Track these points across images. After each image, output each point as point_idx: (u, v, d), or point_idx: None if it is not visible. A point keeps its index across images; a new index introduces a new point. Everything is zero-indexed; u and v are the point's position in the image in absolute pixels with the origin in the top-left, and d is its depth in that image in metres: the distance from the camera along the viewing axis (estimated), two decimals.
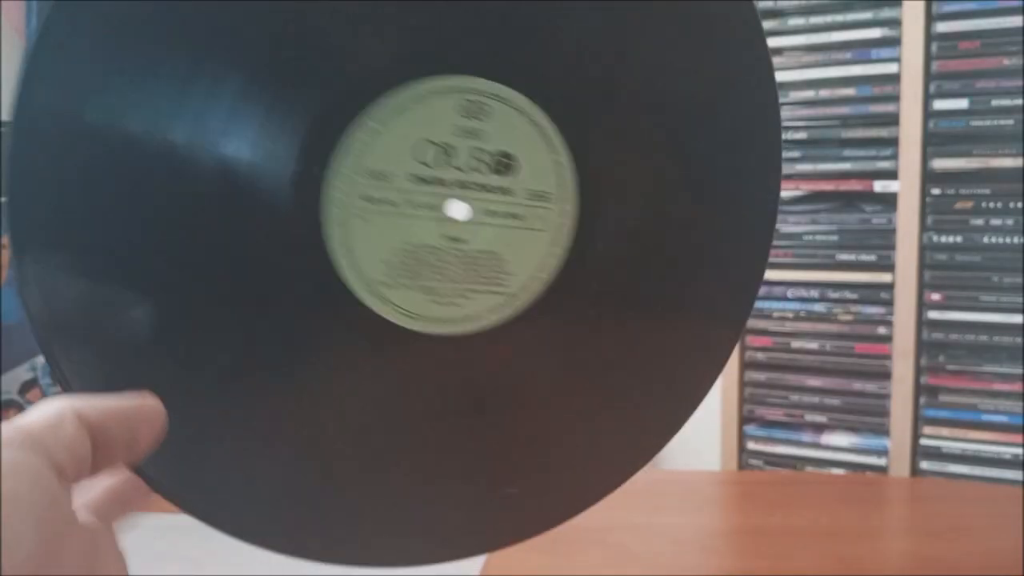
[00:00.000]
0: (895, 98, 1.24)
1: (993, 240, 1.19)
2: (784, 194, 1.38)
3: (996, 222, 1.19)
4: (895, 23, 1.23)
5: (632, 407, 0.35)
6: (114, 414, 0.24)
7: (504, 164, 0.31)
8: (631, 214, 0.33)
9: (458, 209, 0.31)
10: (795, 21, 1.30)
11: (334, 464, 0.32)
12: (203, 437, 0.30)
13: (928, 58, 1.21)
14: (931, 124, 1.22)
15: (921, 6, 1.20)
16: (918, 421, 1.25)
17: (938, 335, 1.23)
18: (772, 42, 1.32)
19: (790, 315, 1.33)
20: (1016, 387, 1.18)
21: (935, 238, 1.22)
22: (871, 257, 1.27)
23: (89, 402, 0.24)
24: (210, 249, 0.29)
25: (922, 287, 1.23)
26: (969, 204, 1.20)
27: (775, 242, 1.43)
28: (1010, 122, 1.17)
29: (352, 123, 0.29)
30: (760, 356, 1.36)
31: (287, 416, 0.31)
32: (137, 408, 0.25)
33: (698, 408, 0.36)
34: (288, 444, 0.31)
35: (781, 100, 1.32)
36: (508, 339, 0.32)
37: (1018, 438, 1.18)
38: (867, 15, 1.25)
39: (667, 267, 0.34)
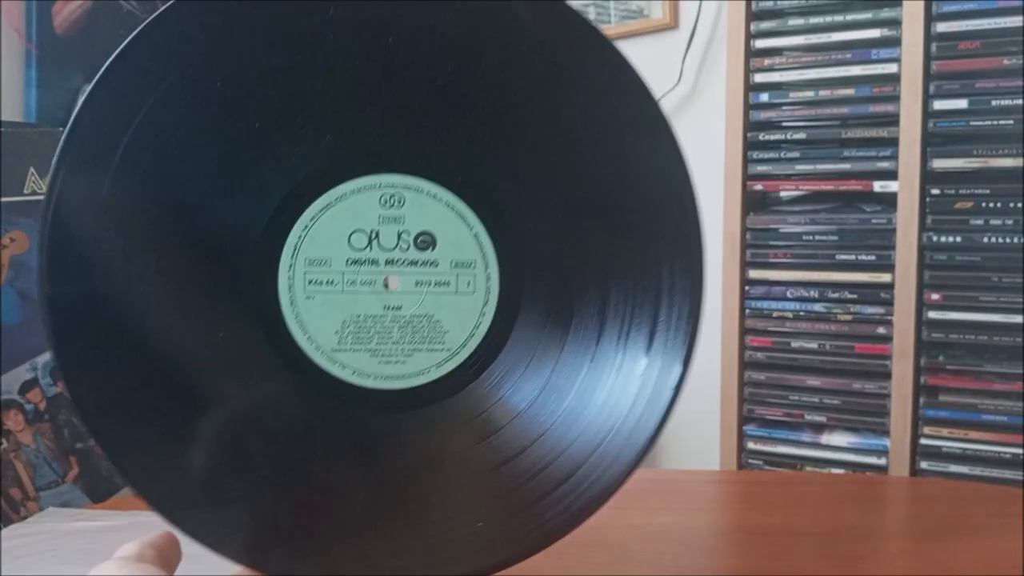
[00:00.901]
0: (895, 98, 1.23)
1: (993, 240, 1.19)
2: (784, 194, 1.38)
3: (996, 222, 1.18)
4: (895, 23, 1.23)
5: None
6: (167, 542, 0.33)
7: (426, 242, 0.37)
8: (552, 271, 0.38)
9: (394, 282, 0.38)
10: (795, 21, 1.30)
11: (307, 498, 0.37)
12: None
13: (928, 58, 1.21)
14: (931, 124, 1.21)
15: (921, 6, 1.20)
16: (918, 421, 1.25)
17: (938, 335, 1.22)
18: (772, 42, 1.32)
19: (789, 315, 1.33)
20: (1016, 387, 1.18)
21: (934, 238, 1.22)
22: (870, 257, 1.27)
23: (151, 539, 0.32)
24: (191, 318, 0.36)
25: (921, 287, 1.23)
26: (969, 204, 1.20)
27: (775, 242, 1.42)
28: (1010, 122, 1.17)
29: (293, 224, 0.36)
30: (760, 356, 1.36)
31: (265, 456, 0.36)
32: (172, 538, 0.33)
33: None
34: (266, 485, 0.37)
35: (781, 100, 1.33)
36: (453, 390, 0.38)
37: (1018, 438, 1.18)
38: (867, 15, 1.25)
39: (592, 317, 0.38)
